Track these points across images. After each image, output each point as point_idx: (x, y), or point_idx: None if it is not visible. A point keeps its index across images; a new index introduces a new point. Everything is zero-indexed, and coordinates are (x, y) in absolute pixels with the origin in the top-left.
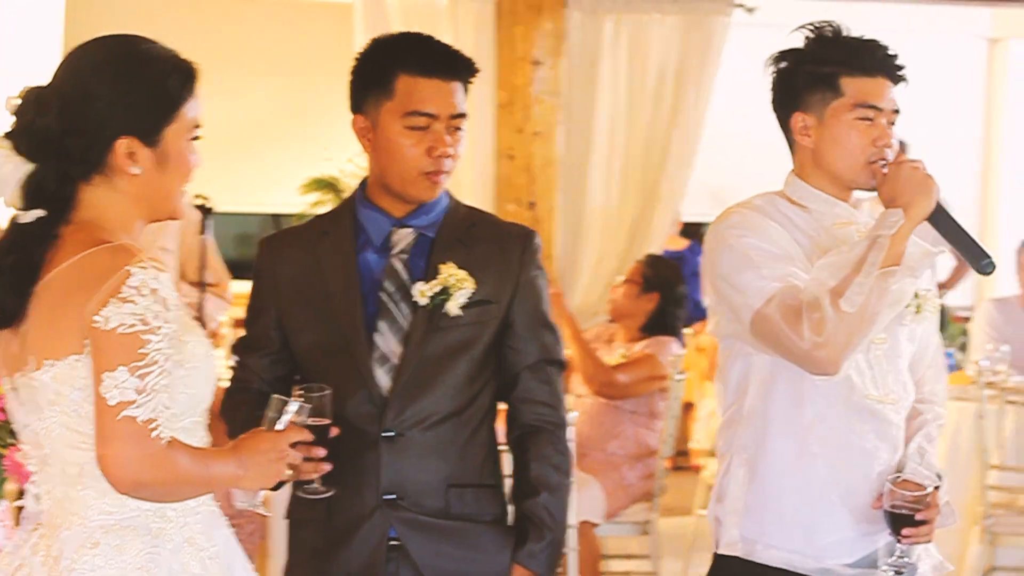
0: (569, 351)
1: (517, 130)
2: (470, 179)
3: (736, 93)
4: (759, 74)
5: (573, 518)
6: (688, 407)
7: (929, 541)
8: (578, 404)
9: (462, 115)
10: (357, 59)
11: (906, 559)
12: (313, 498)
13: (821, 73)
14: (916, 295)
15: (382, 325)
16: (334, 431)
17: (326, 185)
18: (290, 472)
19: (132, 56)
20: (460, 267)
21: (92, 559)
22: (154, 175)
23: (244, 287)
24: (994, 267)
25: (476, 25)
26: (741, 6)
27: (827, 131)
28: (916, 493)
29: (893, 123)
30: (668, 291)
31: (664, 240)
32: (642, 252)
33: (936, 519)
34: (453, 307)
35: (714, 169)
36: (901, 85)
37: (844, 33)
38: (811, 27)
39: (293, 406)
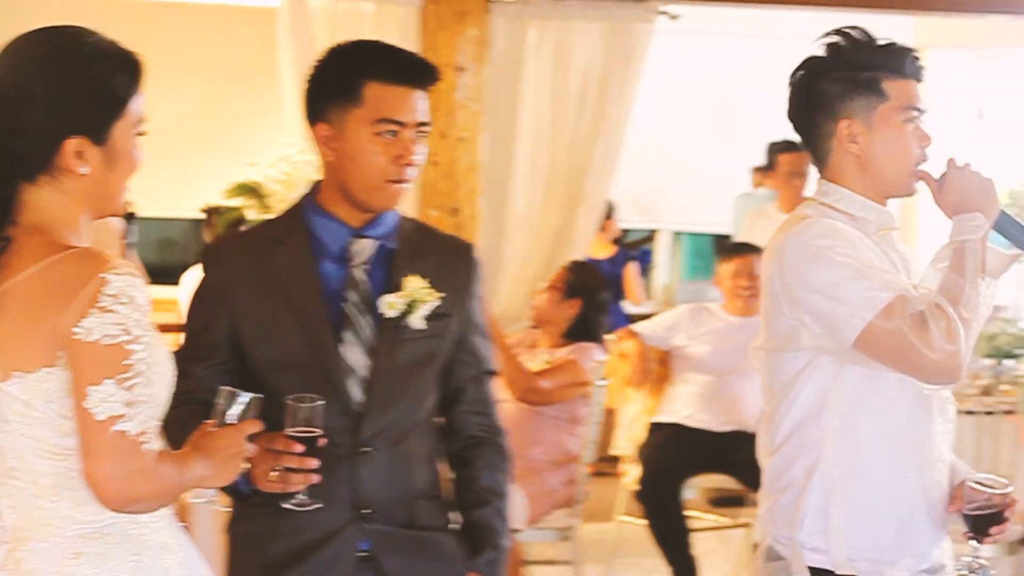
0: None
1: (441, 136)
2: None
3: (660, 100)
4: (683, 81)
5: None
6: (610, 413)
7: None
8: (500, 410)
9: (427, 123)
10: (316, 68)
11: (982, 560)
12: (300, 510)
13: (864, 78)
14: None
15: (347, 337)
16: (322, 441)
17: (249, 190)
18: (248, 466)
19: (76, 52)
20: (420, 279)
21: (76, 569)
22: (102, 173)
23: (166, 292)
24: None
25: (400, 31)
26: (665, 13)
27: (877, 136)
28: (1000, 491)
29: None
30: (591, 297)
31: (587, 246)
32: (565, 258)
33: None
34: (417, 320)
35: (638, 177)
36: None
37: (877, 36)
38: (840, 33)
39: (243, 398)
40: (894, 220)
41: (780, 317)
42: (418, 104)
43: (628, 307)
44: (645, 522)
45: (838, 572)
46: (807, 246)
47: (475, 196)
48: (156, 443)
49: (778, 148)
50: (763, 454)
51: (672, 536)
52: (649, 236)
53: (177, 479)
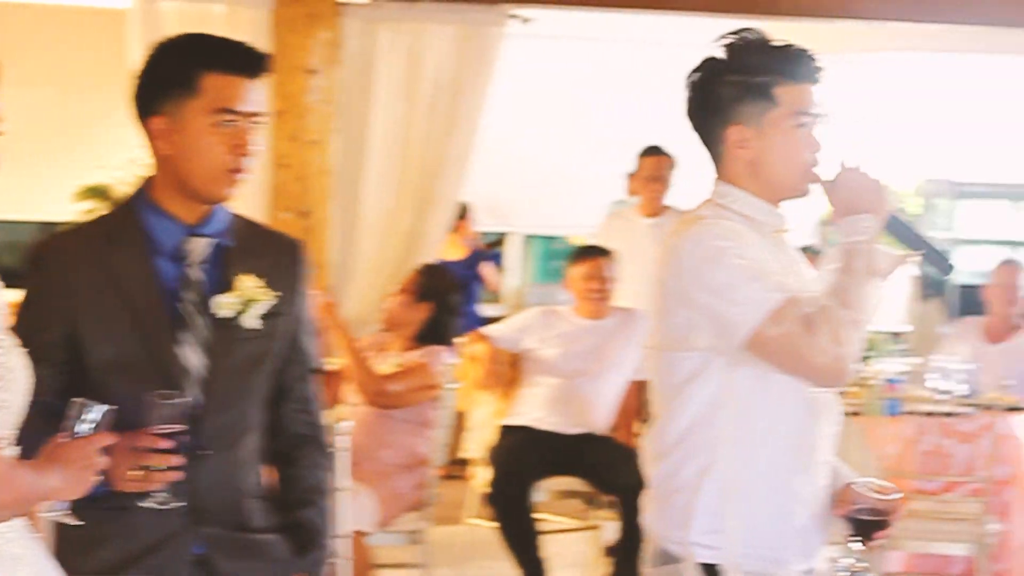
0: (343, 360)
1: (291, 139)
2: (244, 188)
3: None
4: (535, 85)
5: (345, 527)
6: (460, 416)
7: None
8: (351, 413)
9: (262, 113)
10: (148, 62)
11: (865, 563)
12: (162, 508)
13: (755, 83)
14: None
15: (185, 337)
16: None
17: (99, 193)
18: (101, 478)
19: None
20: (254, 278)
21: None
22: None
23: (15, 296)
24: (953, 269)
25: (252, 33)
26: (517, 17)
27: (767, 141)
28: (887, 497)
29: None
30: (442, 300)
31: (438, 249)
32: (417, 261)
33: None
34: (251, 319)
35: (490, 180)
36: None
37: (771, 40)
38: (735, 36)
39: (96, 410)
40: (786, 222)
41: (675, 318)
42: (254, 94)
43: (483, 309)
44: (495, 525)
45: (730, 572)
46: (705, 247)
47: (326, 199)
48: (11, 450)
49: (639, 152)
50: (653, 456)
51: (522, 538)
52: (500, 239)
53: (33, 487)
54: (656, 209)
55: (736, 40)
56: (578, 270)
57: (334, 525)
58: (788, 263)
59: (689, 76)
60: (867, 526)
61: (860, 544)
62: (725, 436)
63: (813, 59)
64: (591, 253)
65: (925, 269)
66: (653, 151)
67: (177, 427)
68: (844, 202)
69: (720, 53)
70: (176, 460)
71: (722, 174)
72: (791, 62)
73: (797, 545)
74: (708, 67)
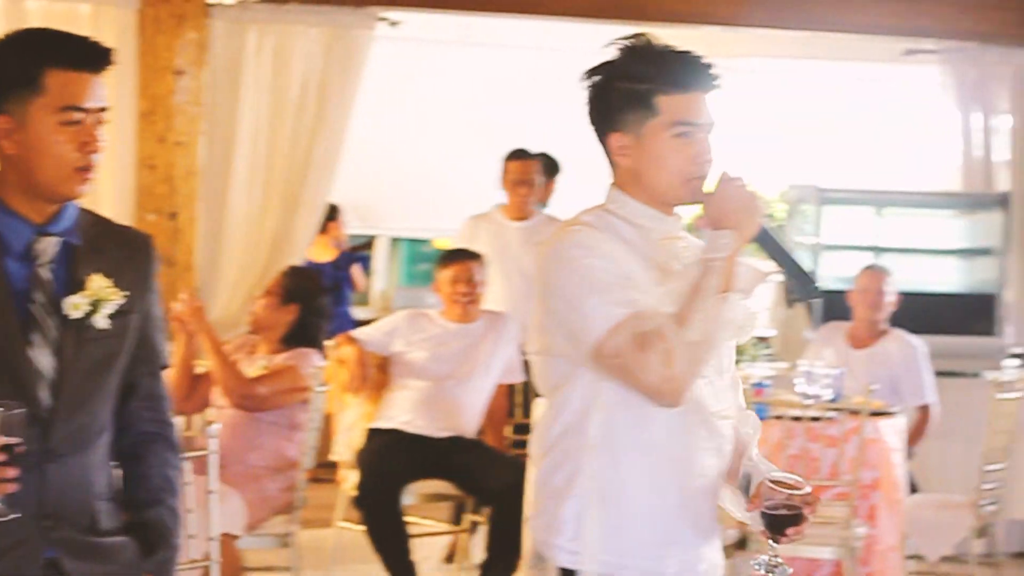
0: (210, 362)
1: (158, 140)
2: (110, 189)
3: (382, 107)
4: (405, 88)
5: (214, 530)
6: (329, 419)
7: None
8: (218, 415)
9: (107, 109)
10: None
11: (779, 559)
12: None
13: (635, 91)
14: None
15: (35, 339)
16: (20, 449)
17: None
18: None
19: None
20: (104, 276)
21: None
22: None
23: None
24: (821, 293)
25: (118, 33)
26: (385, 19)
27: (645, 151)
28: (799, 492)
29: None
30: (309, 303)
31: (305, 251)
32: (284, 263)
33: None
34: (101, 319)
35: (358, 183)
36: (715, 94)
37: (657, 46)
38: (623, 41)
39: None
40: (678, 228)
41: (541, 322)
42: (99, 89)
43: (357, 312)
44: (364, 528)
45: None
46: (560, 254)
47: (194, 201)
48: None
49: (506, 156)
50: (533, 459)
51: (391, 542)
52: (369, 242)
53: None
54: (524, 213)
55: (622, 46)
56: (446, 273)
57: (183, 525)
58: (663, 275)
59: (583, 81)
60: (778, 521)
61: (773, 540)
62: (592, 443)
63: (701, 67)
64: (459, 256)
65: (791, 289)
66: (518, 155)
67: (13, 440)
68: (714, 215)
69: (610, 59)
70: (11, 472)
71: (614, 179)
72: (673, 70)
73: (669, 555)
74: (598, 72)
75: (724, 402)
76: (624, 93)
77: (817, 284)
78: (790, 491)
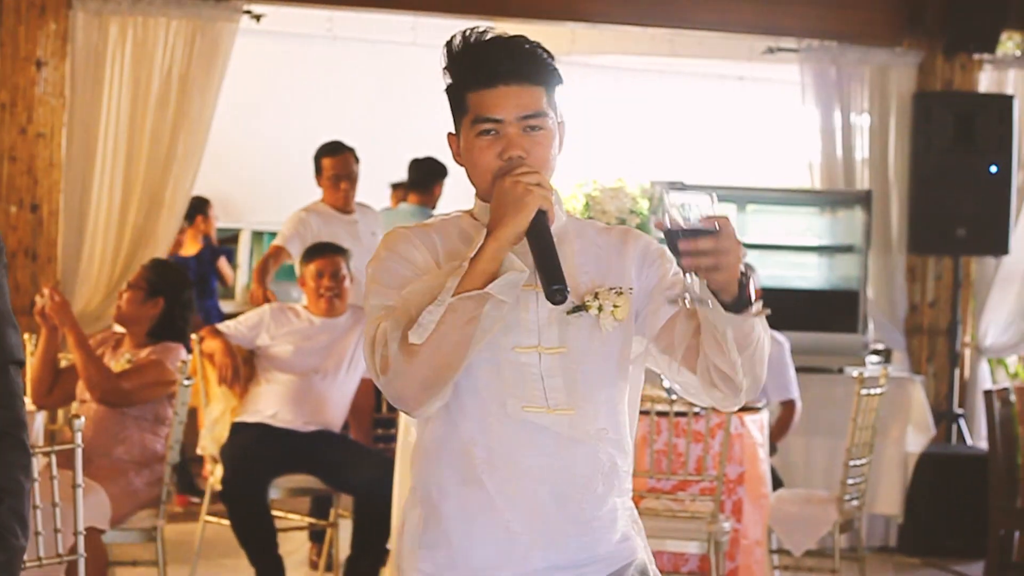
0: (74, 357)
1: (20, 131)
2: None
3: (247, 100)
4: (273, 82)
5: (80, 524)
6: (194, 413)
7: (717, 270)
8: (83, 409)
9: None
10: None
11: (696, 287)
12: None
13: (451, 90)
14: (596, 295)
15: None
16: None
17: None
18: None
19: None
20: None
21: None
22: None
23: None
24: (564, 297)
25: None
26: (249, 13)
27: (464, 151)
28: (702, 213)
29: (534, 128)
30: (174, 296)
31: (169, 245)
32: (148, 256)
33: (726, 247)
34: None
35: (223, 177)
36: (537, 83)
37: (471, 42)
38: (447, 41)
39: None
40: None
41: None
42: None
43: (220, 306)
44: (230, 522)
45: None
46: (376, 252)
47: (56, 193)
48: None
49: (321, 152)
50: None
51: (257, 536)
52: (235, 235)
53: None
54: (348, 206)
55: (447, 44)
56: (311, 268)
57: (27, 526)
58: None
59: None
60: (673, 237)
61: (682, 269)
62: (421, 449)
63: (506, 59)
64: (324, 251)
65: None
66: (336, 149)
67: None
68: (492, 211)
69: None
70: None
71: None
72: (476, 65)
73: (503, 565)
74: (445, 73)
75: (558, 399)
76: (448, 93)
77: (559, 288)
78: (688, 212)
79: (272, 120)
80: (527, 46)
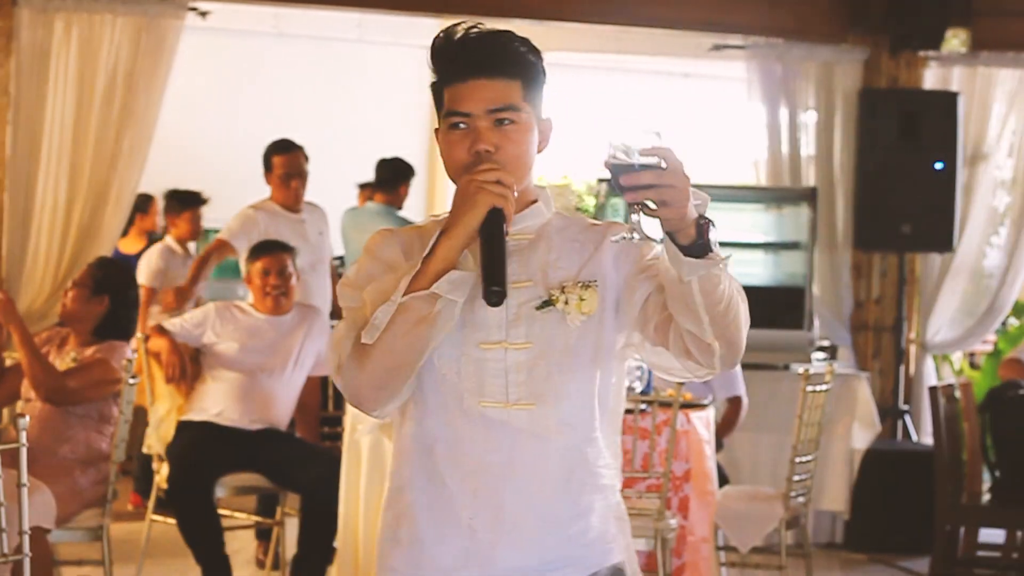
0: (19, 355)
1: None
2: None
3: (193, 97)
4: (213, 78)
5: (25, 524)
6: (140, 411)
7: (664, 204)
8: (28, 408)
9: None
10: None
11: (640, 221)
12: None
13: (432, 87)
14: (563, 289)
15: None
16: None
17: None
18: None
19: None
20: None
21: None
22: None
23: None
24: (500, 299)
25: None
26: (195, 10)
27: (441, 146)
28: (641, 148)
29: (504, 122)
30: (119, 294)
31: (115, 242)
32: (93, 254)
33: (670, 180)
34: None
35: (169, 174)
36: (511, 76)
37: (448, 38)
38: (432, 39)
39: None
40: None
41: None
42: None
43: None
44: (176, 521)
45: None
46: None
47: (0, 191)
48: None
49: (272, 150)
50: None
51: (203, 535)
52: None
53: None
54: (298, 204)
55: (432, 41)
56: (257, 266)
57: None
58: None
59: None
60: (616, 172)
61: (630, 208)
62: (397, 447)
63: (475, 53)
64: (270, 248)
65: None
66: (286, 147)
67: None
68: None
69: None
70: None
71: None
72: (448, 60)
73: (467, 565)
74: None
75: (520, 393)
76: (431, 90)
77: (497, 290)
78: (624, 151)
79: (219, 117)
80: (502, 40)
